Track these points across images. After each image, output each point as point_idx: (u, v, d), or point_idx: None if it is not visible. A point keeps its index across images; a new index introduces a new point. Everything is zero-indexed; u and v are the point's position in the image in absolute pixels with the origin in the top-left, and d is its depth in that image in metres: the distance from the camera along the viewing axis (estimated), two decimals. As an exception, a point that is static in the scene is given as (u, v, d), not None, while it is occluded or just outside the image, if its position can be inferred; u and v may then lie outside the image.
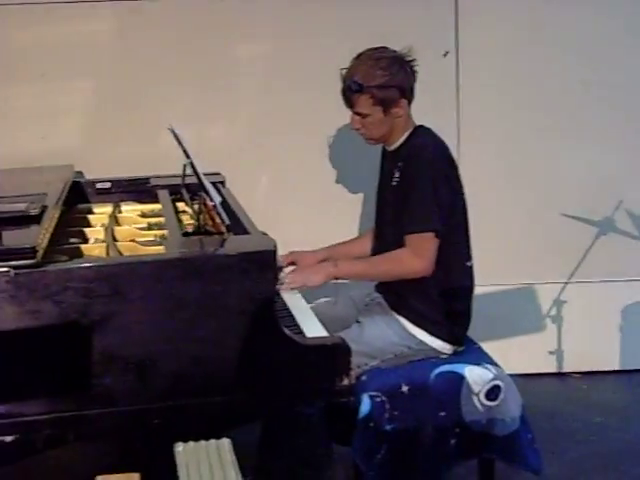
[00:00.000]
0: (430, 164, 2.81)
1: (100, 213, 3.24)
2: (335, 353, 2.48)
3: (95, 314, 2.30)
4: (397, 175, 2.88)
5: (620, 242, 4.09)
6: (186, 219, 3.05)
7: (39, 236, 2.39)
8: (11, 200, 2.71)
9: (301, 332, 2.60)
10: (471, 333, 3.00)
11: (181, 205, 3.21)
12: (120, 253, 2.69)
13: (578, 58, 4.00)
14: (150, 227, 3.01)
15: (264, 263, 2.39)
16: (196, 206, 2.88)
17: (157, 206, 3.21)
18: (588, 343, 4.15)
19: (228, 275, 2.36)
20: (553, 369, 4.19)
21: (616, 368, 4.20)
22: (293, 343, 2.44)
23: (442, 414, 2.75)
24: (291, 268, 3.07)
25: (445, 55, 3.95)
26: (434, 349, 2.88)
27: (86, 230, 2.95)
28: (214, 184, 2.93)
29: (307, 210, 3.95)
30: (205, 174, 2.76)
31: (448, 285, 2.87)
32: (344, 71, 2.89)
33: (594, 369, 4.18)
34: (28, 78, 3.81)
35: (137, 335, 2.34)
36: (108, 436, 2.49)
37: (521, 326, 4.16)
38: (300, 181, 3.94)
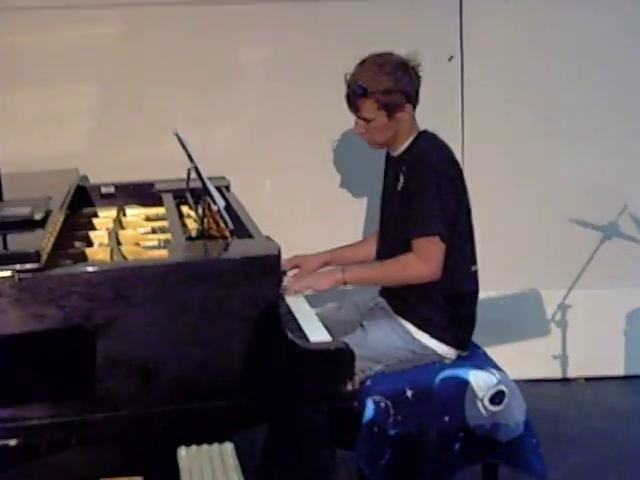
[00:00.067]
0: (434, 169, 2.80)
1: (105, 217, 3.23)
2: (339, 358, 2.47)
3: (99, 318, 2.30)
4: (401, 180, 2.87)
5: (625, 247, 4.08)
6: (190, 223, 3.05)
7: (43, 240, 2.39)
8: (15, 204, 2.71)
9: (305, 336, 2.59)
10: (475, 338, 3.00)
11: (185, 209, 3.21)
12: (124, 257, 2.69)
13: (583, 61, 4.00)
14: (154, 231, 3.01)
15: (268, 267, 2.38)
16: (200, 210, 2.88)
17: (161, 210, 3.20)
18: (593, 348, 4.13)
19: (232, 279, 2.36)
20: (557, 374, 4.18)
21: (621, 373, 4.19)
22: (297, 347, 2.43)
23: (446, 419, 2.75)
24: (294, 272, 3.07)
25: (450, 60, 3.95)
26: (438, 354, 2.88)
27: (90, 234, 2.95)
28: (218, 188, 2.92)
29: (311, 214, 3.95)
30: (210, 178, 2.75)
31: (453, 290, 2.87)
32: (349, 76, 2.89)
33: (599, 374, 4.17)
34: (32, 82, 3.81)
35: (141, 339, 2.33)
36: (111, 440, 2.49)
37: (525, 331, 4.15)
38: (304, 185, 3.94)
